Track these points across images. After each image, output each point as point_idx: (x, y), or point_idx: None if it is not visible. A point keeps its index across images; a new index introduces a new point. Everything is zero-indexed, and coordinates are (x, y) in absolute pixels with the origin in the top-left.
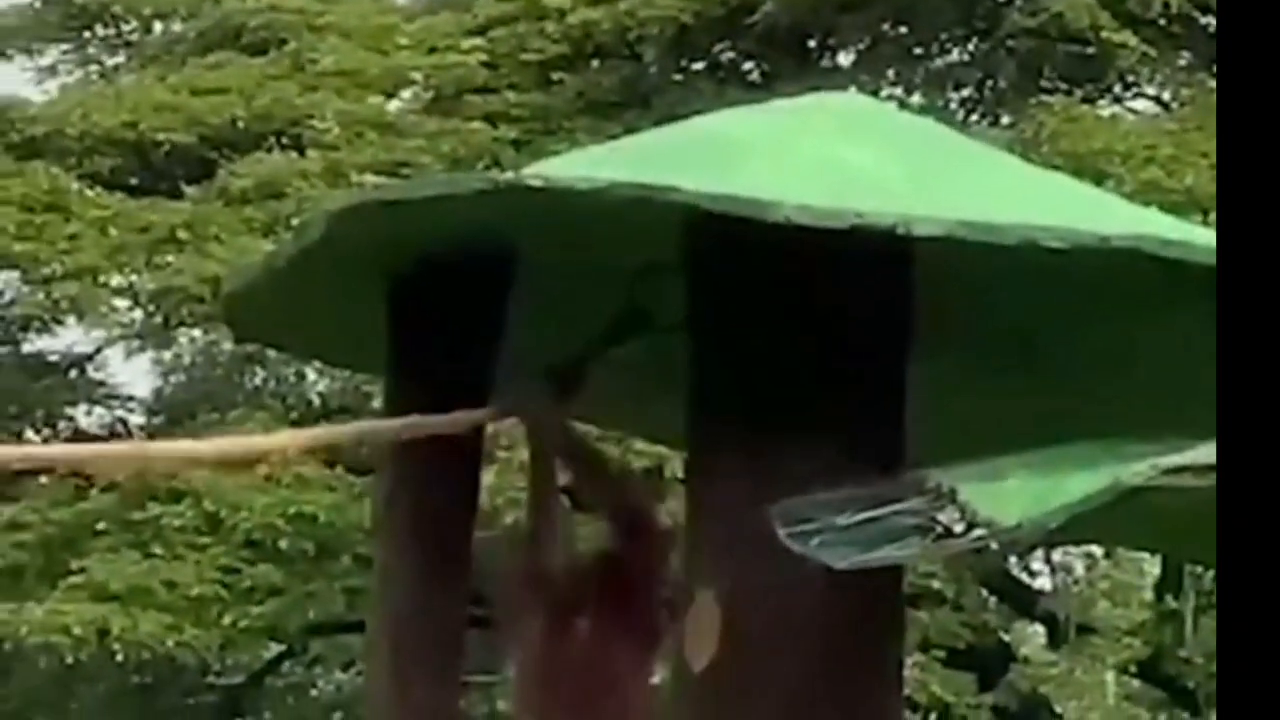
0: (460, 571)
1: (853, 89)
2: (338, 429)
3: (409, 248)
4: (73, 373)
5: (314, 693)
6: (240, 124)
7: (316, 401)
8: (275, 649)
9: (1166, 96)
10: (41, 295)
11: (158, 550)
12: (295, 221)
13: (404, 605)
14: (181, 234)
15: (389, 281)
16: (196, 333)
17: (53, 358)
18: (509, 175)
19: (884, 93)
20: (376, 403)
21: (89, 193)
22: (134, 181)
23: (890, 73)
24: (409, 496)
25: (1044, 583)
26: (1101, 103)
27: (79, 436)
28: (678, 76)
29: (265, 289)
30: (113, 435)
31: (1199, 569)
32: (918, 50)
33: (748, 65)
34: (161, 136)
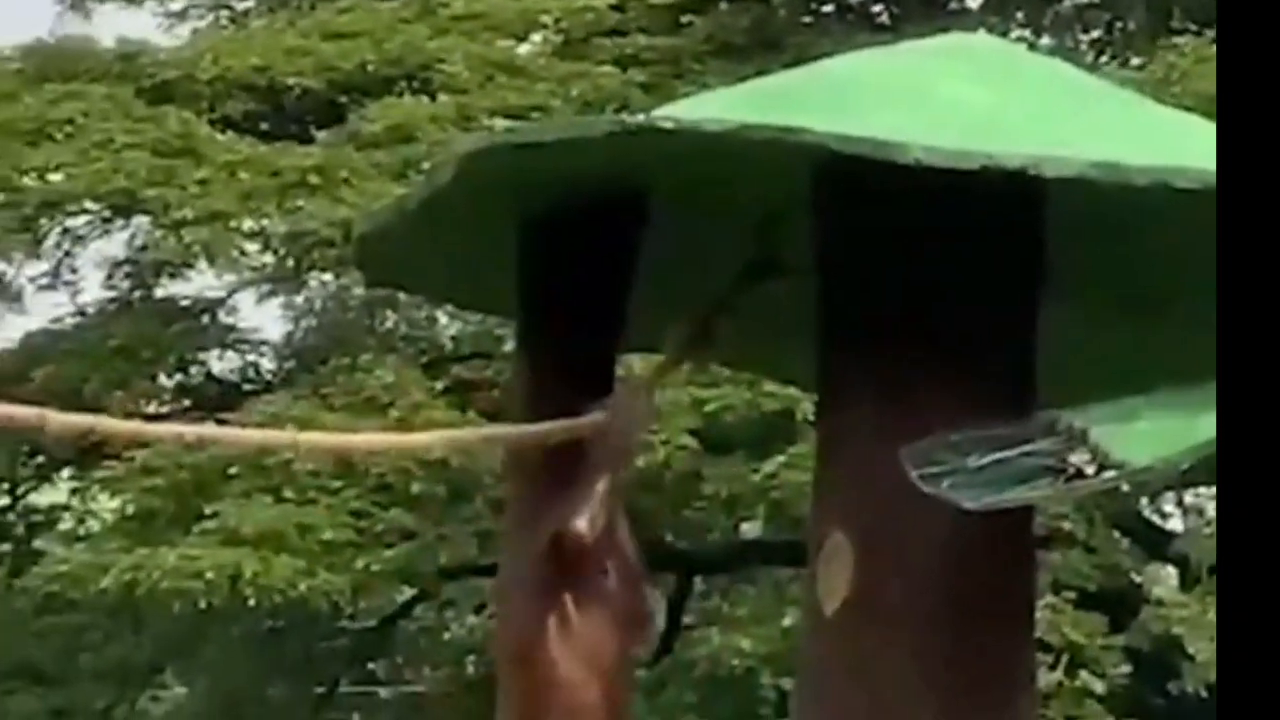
0: None
1: (981, 31)
2: (482, 432)
3: (540, 190)
4: (204, 317)
5: (446, 636)
6: (370, 68)
7: (449, 345)
8: (407, 593)
9: None
10: (173, 240)
11: (290, 495)
12: (425, 165)
13: (532, 546)
14: (312, 178)
15: (520, 224)
16: (328, 276)
17: (184, 303)
18: (639, 117)
19: (1012, 35)
20: (508, 346)
21: (220, 137)
22: (265, 126)
23: (1019, 15)
24: (535, 439)
25: (1176, 524)
26: None
27: (213, 398)
28: (807, 19)
29: (397, 232)
30: (245, 380)
31: None
32: None
33: (876, 7)
34: (292, 81)
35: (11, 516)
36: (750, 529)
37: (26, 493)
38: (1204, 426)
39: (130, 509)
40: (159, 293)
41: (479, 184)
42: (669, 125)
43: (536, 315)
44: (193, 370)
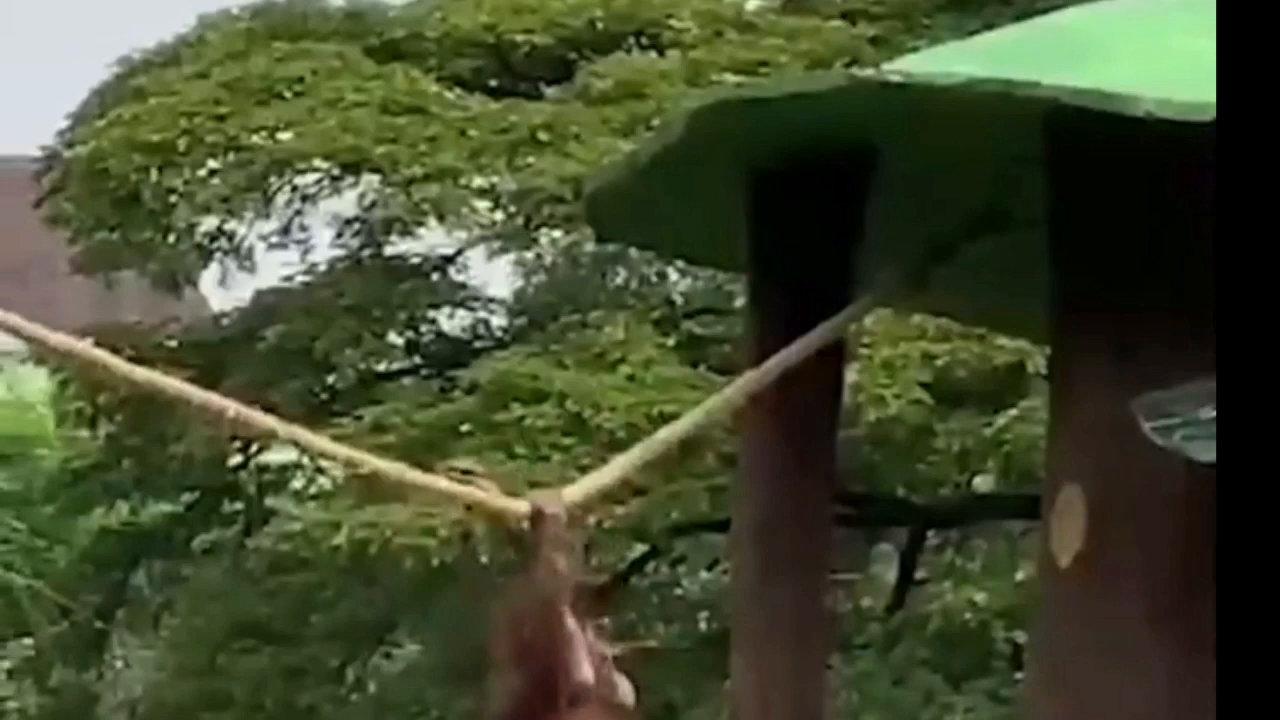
0: (825, 469)
1: None
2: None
3: (770, 145)
4: (434, 275)
5: (678, 592)
6: (599, 24)
7: (679, 301)
8: (639, 549)
9: None
10: (402, 198)
11: (521, 451)
12: (654, 121)
13: (768, 503)
14: (542, 135)
15: (750, 179)
16: (557, 233)
17: (414, 260)
18: (869, 71)
19: None
20: (738, 302)
21: (448, 95)
22: (493, 83)
23: None
24: (773, 394)
25: None
26: None
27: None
28: None
29: (627, 188)
30: (475, 337)
31: None
32: None
33: None
34: (521, 38)
35: (243, 475)
36: (982, 483)
37: (258, 451)
38: None
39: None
40: (389, 250)
41: (709, 139)
42: (899, 79)
43: (767, 269)
44: (423, 328)
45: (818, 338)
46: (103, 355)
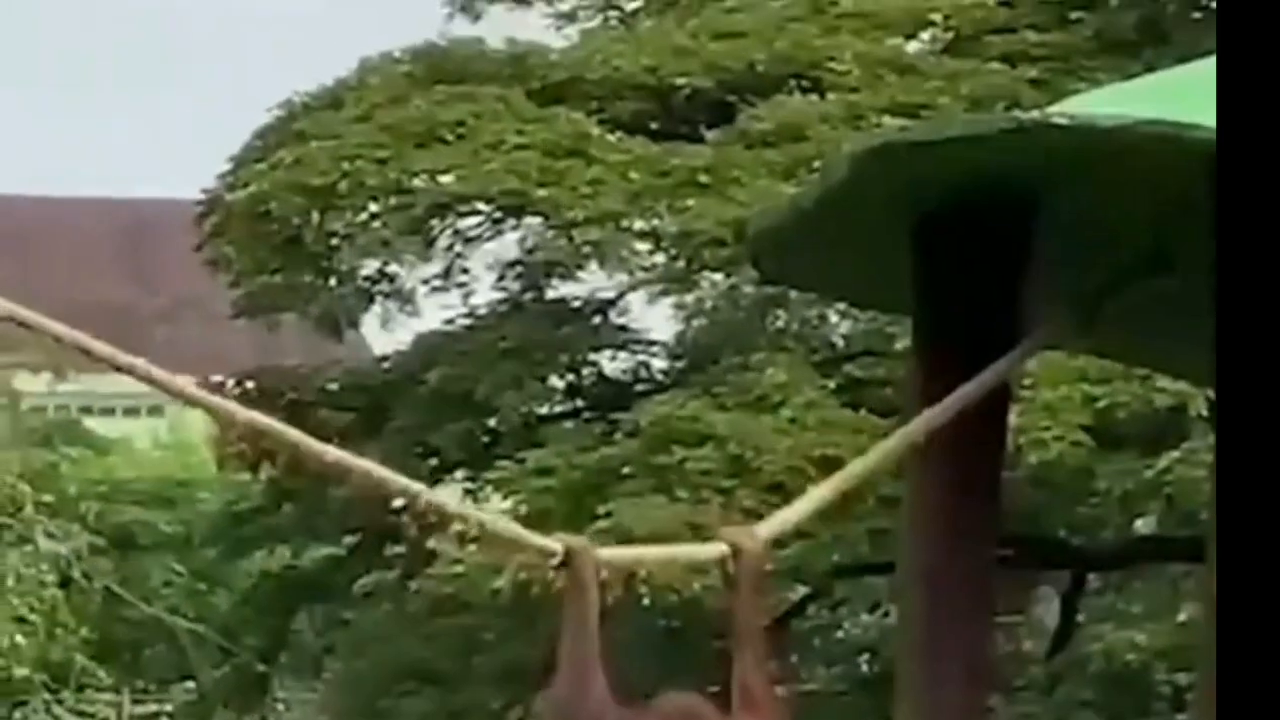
0: (989, 511)
1: None
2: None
3: (933, 187)
4: (595, 318)
5: (840, 635)
6: (759, 67)
7: (840, 343)
8: (801, 591)
9: None
10: (564, 240)
11: (682, 494)
12: (815, 163)
13: (934, 547)
14: (703, 177)
15: (914, 221)
16: (718, 276)
17: (575, 303)
18: (1034, 114)
19: None
20: (899, 344)
21: (610, 137)
22: (655, 125)
23: None
24: (937, 438)
25: None
26: None
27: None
28: (1196, 14)
29: (791, 230)
30: (637, 380)
31: None
32: None
33: None
34: (681, 80)
35: (405, 518)
36: (1143, 525)
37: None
38: None
39: (523, 509)
40: (550, 293)
41: (873, 182)
42: (1063, 121)
43: (932, 311)
44: (584, 371)
45: (990, 378)
46: (220, 402)
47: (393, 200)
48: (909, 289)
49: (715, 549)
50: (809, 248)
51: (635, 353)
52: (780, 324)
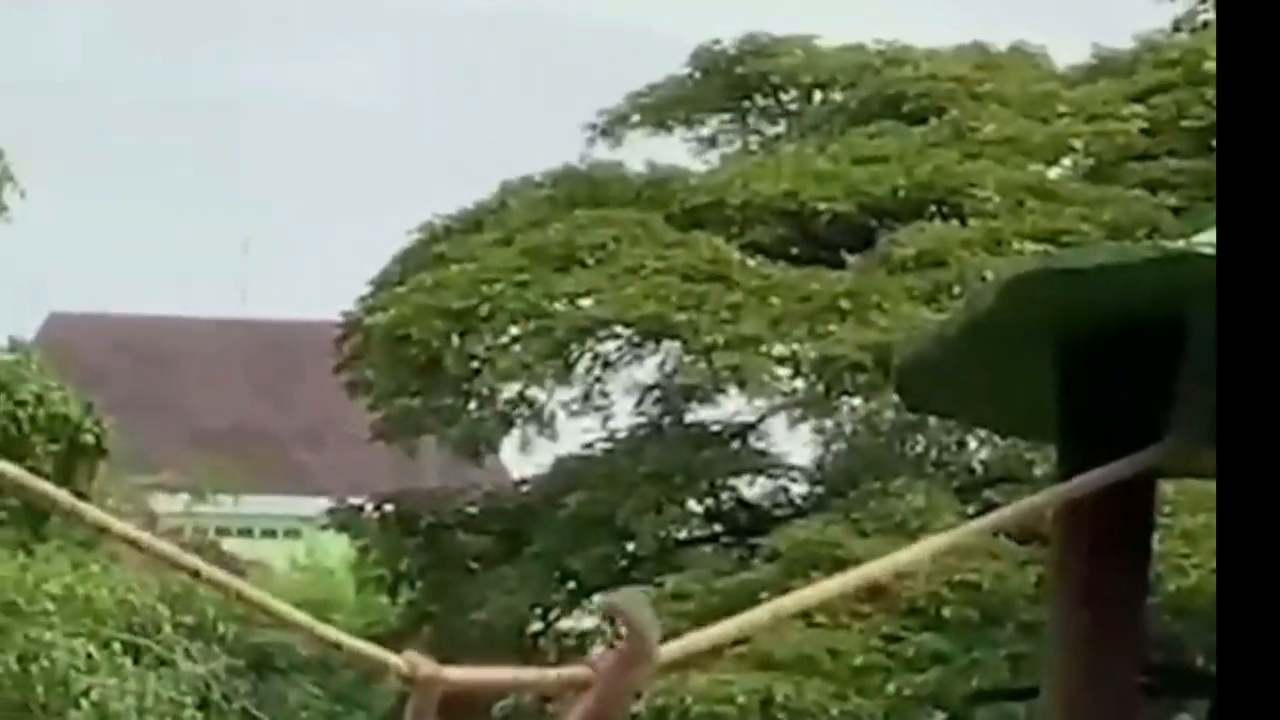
0: (1133, 638)
1: None
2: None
3: (1079, 315)
4: (735, 442)
5: None
6: (901, 192)
7: (978, 469)
8: (939, 717)
9: None
10: (703, 365)
11: (821, 619)
12: (956, 289)
13: (1077, 672)
14: (843, 302)
15: (1059, 349)
16: (858, 401)
17: (715, 427)
18: (1180, 243)
19: None
20: (1038, 470)
21: (750, 262)
22: (795, 250)
23: None
24: (1080, 563)
25: None
26: None
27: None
28: None
29: (936, 358)
30: (775, 505)
31: None
32: None
33: None
34: (822, 206)
35: (543, 642)
36: None
37: (558, 618)
38: None
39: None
40: (689, 418)
41: (1019, 309)
42: (1208, 251)
43: (1076, 438)
44: (723, 495)
45: (1096, 479)
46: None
47: (532, 324)
48: (1051, 416)
49: (569, 673)
50: (953, 375)
51: (774, 477)
52: (919, 449)
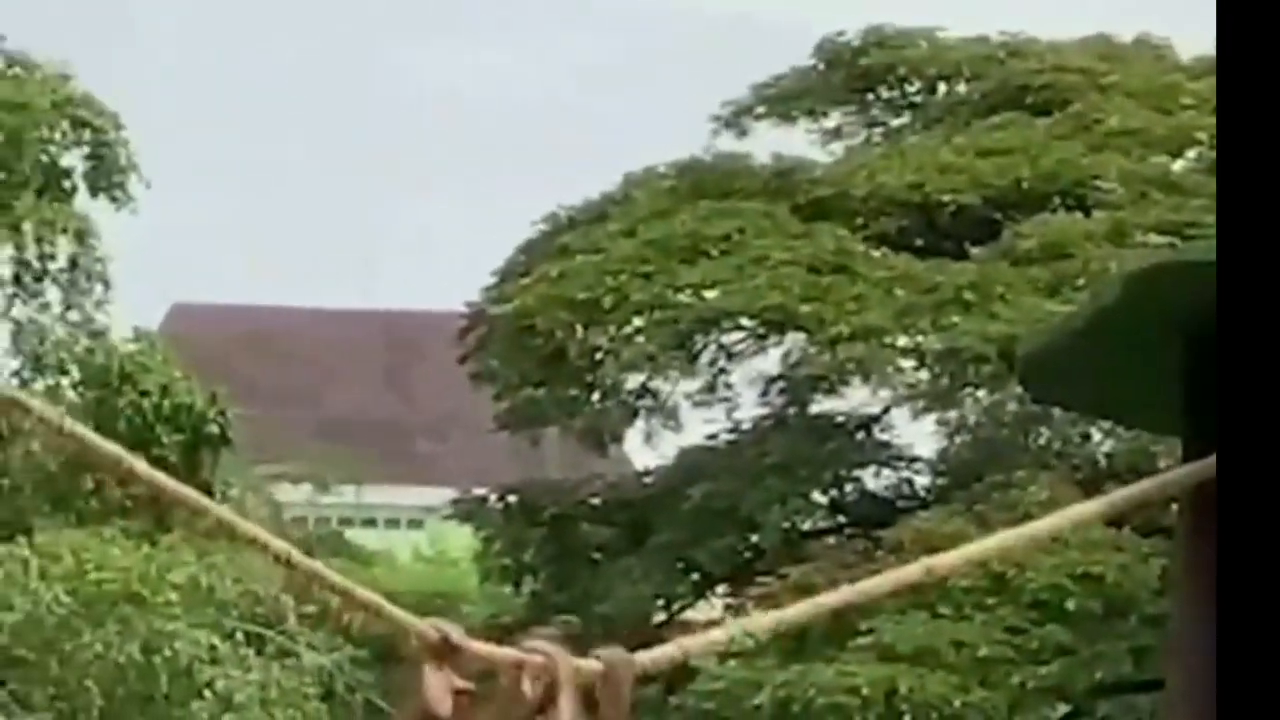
0: None
1: None
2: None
3: (1205, 308)
4: (859, 434)
5: None
6: (1025, 184)
7: (1103, 462)
8: (1062, 709)
9: None
10: (828, 356)
11: (945, 611)
12: (1080, 281)
13: (1204, 666)
14: (967, 294)
15: (1184, 341)
16: (981, 393)
17: (839, 419)
18: None
19: None
20: (1163, 463)
21: (874, 253)
22: (919, 242)
23: None
24: (1205, 555)
25: None
26: None
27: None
28: None
29: (1061, 350)
30: (899, 496)
31: None
32: None
33: None
34: (946, 197)
35: (666, 632)
36: None
37: (682, 609)
38: None
39: (785, 625)
40: (813, 409)
41: (1146, 302)
42: None
43: (1202, 431)
44: (847, 487)
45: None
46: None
47: (657, 315)
48: (1176, 409)
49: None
50: (1078, 368)
51: (898, 469)
52: (1043, 441)
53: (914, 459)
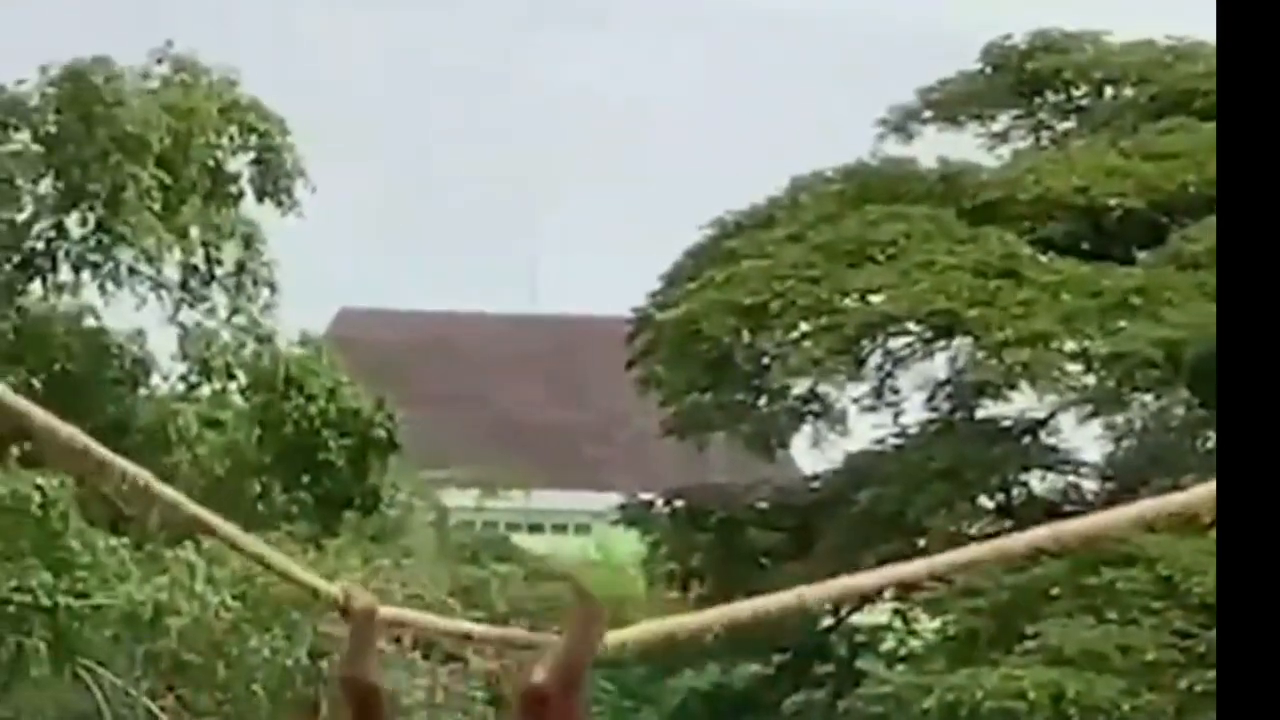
0: None
1: None
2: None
3: None
4: (1025, 438)
5: None
6: (1191, 189)
7: None
8: None
9: None
10: (995, 361)
11: (1112, 615)
12: None
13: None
14: (1134, 299)
15: None
16: (1149, 397)
17: (1005, 423)
18: None
19: None
20: None
21: (1041, 258)
22: (1085, 246)
23: None
24: None
25: None
26: None
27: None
28: None
29: None
30: (1066, 501)
31: None
32: None
33: None
34: (1113, 201)
35: (834, 638)
36: None
37: (849, 613)
38: None
39: (952, 629)
40: (980, 413)
41: None
42: None
43: None
44: (1014, 491)
45: None
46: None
47: (823, 320)
48: None
49: (511, 633)
50: None
51: (1065, 473)
52: (1210, 445)
53: (1080, 463)
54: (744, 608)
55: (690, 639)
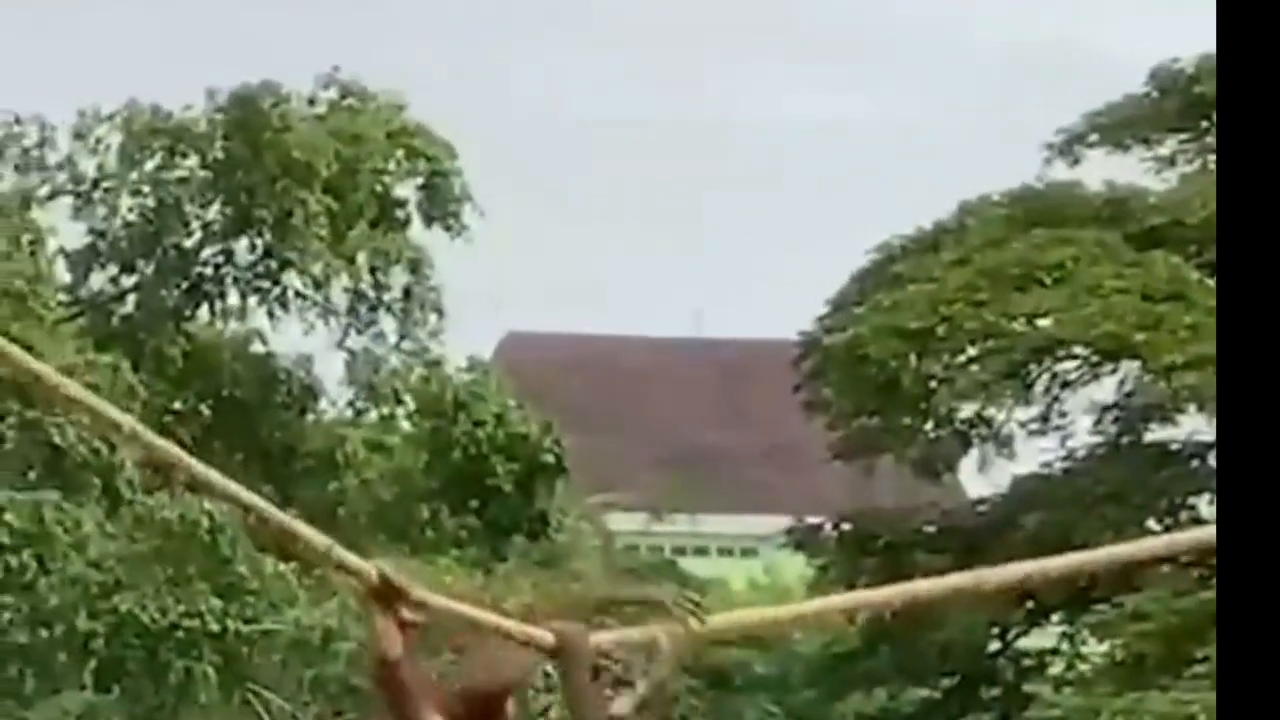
0: None
1: None
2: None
3: None
4: (1194, 462)
5: None
6: None
7: None
8: None
9: None
10: (1162, 385)
11: None
12: None
13: None
14: None
15: None
16: None
17: (1173, 447)
18: None
19: None
20: None
21: (1208, 281)
22: None
23: None
24: None
25: None
26: None
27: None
28: None
29: None
30: None
31: None
32: None
33: None
34: None
35: (1001, 661)
36: None
37: (1017, 637)
38: None
39: (1120, 653)
40: (1147, 437)
41: None
42: None
43: None
44: (1182, 515)
45: None
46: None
47: (990, 343)
48: None
49: (535, 632)
50: None
51: None
52: None
53: None
54: (922, 586)
55: (859, 662)
